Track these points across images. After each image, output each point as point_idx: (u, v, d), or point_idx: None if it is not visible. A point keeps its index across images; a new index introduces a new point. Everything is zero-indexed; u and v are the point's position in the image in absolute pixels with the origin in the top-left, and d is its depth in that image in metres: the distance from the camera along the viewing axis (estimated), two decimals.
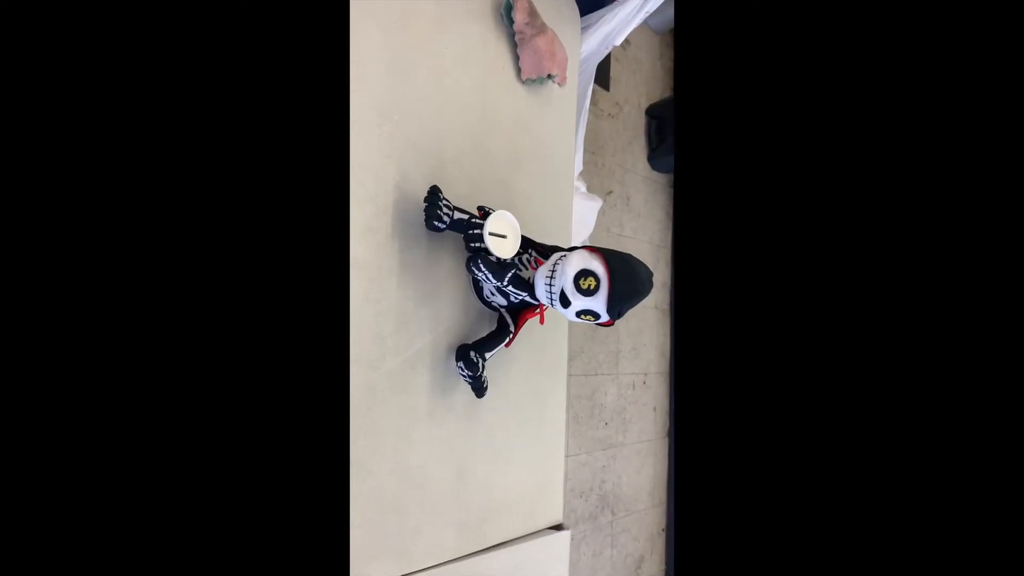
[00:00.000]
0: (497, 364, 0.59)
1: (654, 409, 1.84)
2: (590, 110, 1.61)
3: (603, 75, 1.70)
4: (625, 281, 0.45)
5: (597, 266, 0.45)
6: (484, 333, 0.55)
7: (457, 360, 0.52)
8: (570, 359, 1.33)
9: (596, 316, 0.46)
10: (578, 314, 0.47)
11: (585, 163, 1.60)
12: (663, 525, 1.88)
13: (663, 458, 1.88)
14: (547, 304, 0.49)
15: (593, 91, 1.65)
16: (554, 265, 0.47)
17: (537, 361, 0.65)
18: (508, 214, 0.49)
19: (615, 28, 0.81)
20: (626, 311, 0.47)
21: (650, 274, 0.48)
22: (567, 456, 1.46)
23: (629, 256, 0.48)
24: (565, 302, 0.46)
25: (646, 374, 1.79)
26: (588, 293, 0.45)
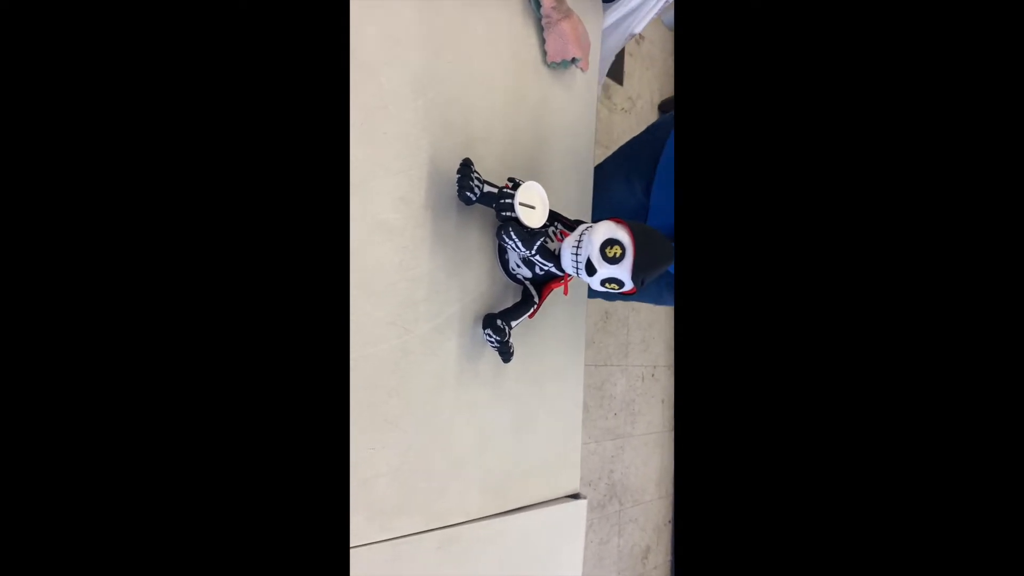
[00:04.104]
0: (520, 338, 0.61)
1: (662, 402, 1.85)
2: (604, 104, 1.64)
3: (617, 70, 1.72)
4: (650, 250, 0.47)
5: (623, 235, 0.47)
6: (509, 304, 0.58)
7: (484, 327, 0.54)
8: None
9: (620, 284, 0.48)
10: (603, 282, 0.49)
11: (598, 156, 1.62)
12: (670, 517, 1.90)
13: (670, 451, 1.90)
14: (572, 274, 0.51)
15: (607, 85, 1.67)
16: (580, 235, 0.50)
17: (558, 338, 0.67)
18: (537, 185, 0.51)
19: (633, 15, 0.83)
20: (649, 280, 0.49)
21: (672, 246, 0.50)
22: None
23: (653, 228, 0.50)
24: (591, 270, 0.48)
25: (655, 367, 1.81)
26: (614, 261, 0.47)
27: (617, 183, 0.80)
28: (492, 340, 0.54)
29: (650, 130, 0.88)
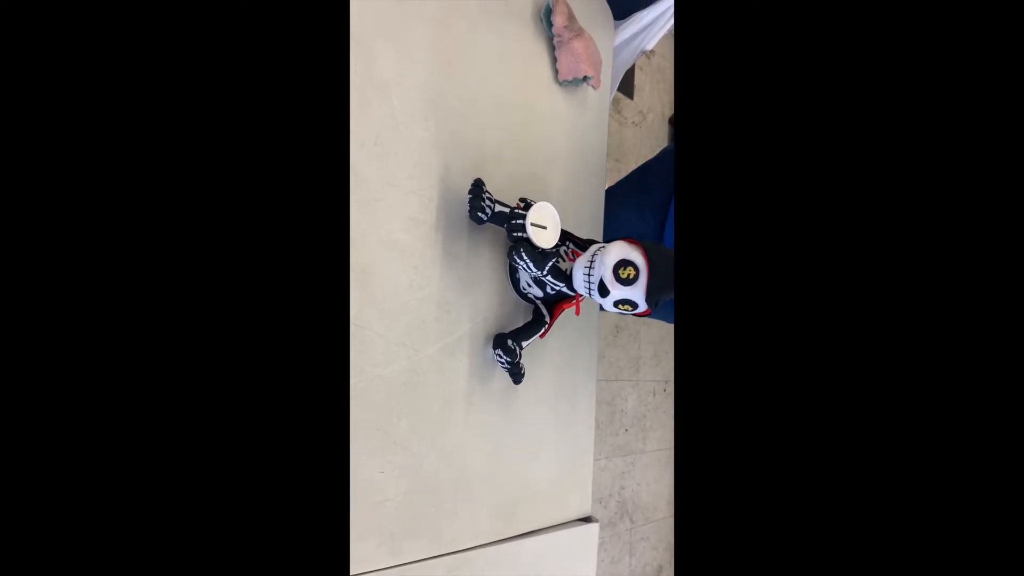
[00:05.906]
0: (531, 358, 0.60)
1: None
2: (615, 118, 1.64)
3: (627, 84, 1.72)
4: (664, 272, 0.46)
5: (637, 256, 0.47)
6: (520, 323, 0.57)
7: (495, 348, 0.54)
8: None
9: (634, 306, 0.48)
10: (616, 304, 0.48)
11: (609, 170, 1.62)
12: None
13: None
14: (584, 294, 0.51)
15: (617, 99, 1.68)
16: (593, 256, 0.49)
17: (569, 357, 0.66)
18: (549, 205, 0.51)
19: (645, 32, 0.83)
20: (663, 302, 0.48)
21: None
22: None
23: (668, 249, 0.49)
24: (603, 292, 0.48)
25: (667, 382, 1.79)
26: (627, 283, 0.46)
27: (628, 211, 0.80)
28: (502, 361, 0.54)
29: (660, 157, 0.87)
